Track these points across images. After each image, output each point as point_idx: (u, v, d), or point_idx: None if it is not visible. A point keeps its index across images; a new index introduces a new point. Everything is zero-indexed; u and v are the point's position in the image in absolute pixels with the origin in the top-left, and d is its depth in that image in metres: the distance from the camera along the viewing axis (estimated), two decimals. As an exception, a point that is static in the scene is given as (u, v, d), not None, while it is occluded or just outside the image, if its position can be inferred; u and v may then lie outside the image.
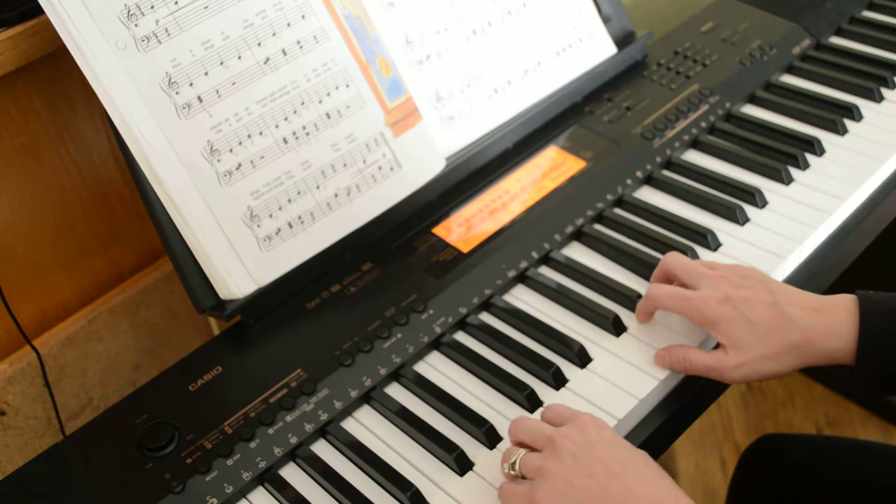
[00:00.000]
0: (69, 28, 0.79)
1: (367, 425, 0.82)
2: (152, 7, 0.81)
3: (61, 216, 0.99)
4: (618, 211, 0.99)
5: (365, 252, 0.94)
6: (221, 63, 0.84)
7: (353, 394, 0.82)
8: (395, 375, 0.85)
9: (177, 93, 0.83)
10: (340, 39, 0.90)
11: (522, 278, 0.93)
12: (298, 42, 0.88)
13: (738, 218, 0.96)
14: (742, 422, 1.83)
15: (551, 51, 1.08)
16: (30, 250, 0.97)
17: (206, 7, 0.83)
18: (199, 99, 0.84)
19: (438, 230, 0.96)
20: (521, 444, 0.72)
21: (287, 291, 0.90)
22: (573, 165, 1.03)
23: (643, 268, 0.91)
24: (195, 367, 0.85)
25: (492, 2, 1.04)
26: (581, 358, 0.84)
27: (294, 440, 0.79)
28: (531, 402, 0.80)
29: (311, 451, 0.79)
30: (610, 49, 1.13)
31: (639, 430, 0.80)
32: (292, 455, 0.79)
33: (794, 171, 1.01)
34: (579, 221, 0.97)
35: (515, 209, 0.98)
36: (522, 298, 0.91)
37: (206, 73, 0.84)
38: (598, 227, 0.98)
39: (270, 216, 0.88)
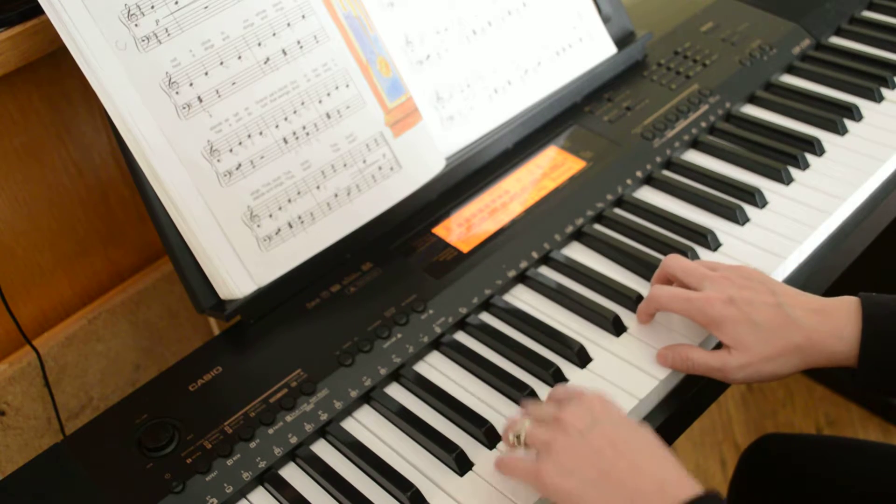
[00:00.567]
0: (69, 28, 0.79)
1: (367, 425, 0.82)
2: (152, 7, 0.81)
3: (61, 216, 0.99)
4: (618, 211, 0.99)
5: (365, 252, 0.94)
6: (221, 63, 0.84)
7: (353, 394, 0.82)
8: (395, 375, 0.85)
9: (177, 93, 0.83)
10: (340, 39, 0.91)
11: (522, 278, 0.93)
12: (298, 42, 0.88)
13: (738, 218, 0.96)
14: (742, 422, 1.83)
15: (551, 51, 1.08)
16: (29, 250, 0.97)
17: (206, 7, 0.83)
18: (199, 99, 0.84)
19: (438, 230, 0.96)
20: (525, 416, 0.73)
21: (287, 291, 0.90)
22: (573, 165, 1.03)
23: (643, 268, 0.91)
24: (195, 367, 0.85)
25: (492, 2, 1.04)
26: (581, 358, 0.84)
27: (294, 440, 0.79)
28: (531, 402, 0.80)
29: (311, 451, 0.79)
30: (610, 49, 1.13)
31: (639, 430, 0.80)
32: (292, 455, 0.79)
33: (794, 171, 1.01)
34: (579, 221, 0.97)
35: (515, 209, 0.98)
36: (522, 298, 0.91)
37: (207, 73, 0.84)
38: (598, 227, 0.98)
39: (270, 216, 0.88)
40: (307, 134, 0.89)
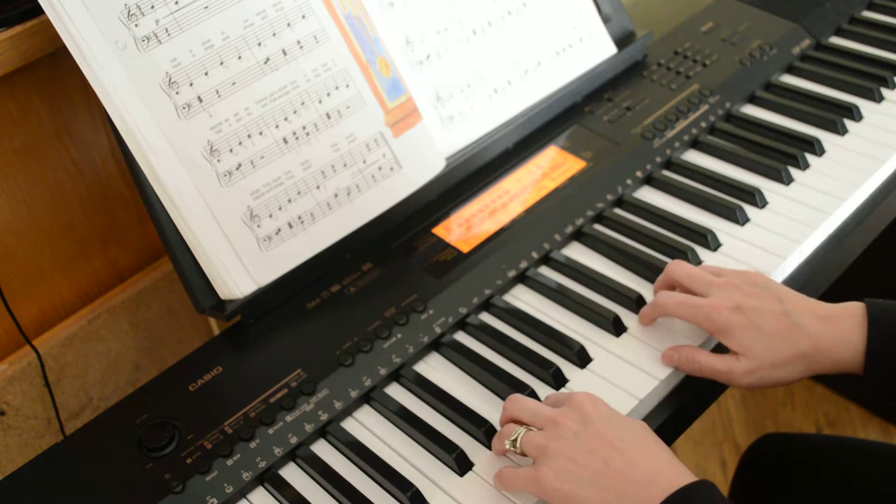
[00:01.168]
0: (69, 28, 0.79)
1: (367, 425, 0.82)
2: (152, 7, 0.81)
3: (61, 216, 0.99)
4: (618, 211, 0.99)
5: (365, 252, 0.94)
6: (221, 63, 0.84)
7: (353, 394, 0.82)
8: (395, 375, 0.85)
9: (177, 93, 0.83)
10: (340, 39, 0.90)
11: (522, 278, 0.93)
12: (298, 42, 0.88)
13: (738, 218, 0.96)
14: (742, 422, 1.83)
15: (551, 51, 1.08)
16: (29, 250, 0.97)
17: (206, 7, 0.83)
18: (199, 99, 0.84)
19: (438, 230, 0.96)
20: (518, 423, 0.73)
21: (287, 291, 0.90)
22: (573, 165, 1.03)
23: (643, 268, 0.91)
24: (195, 367, 0.85)
25: (492, 2, 1.04)
26: (581, 358, 0.84)
27: (294, 440, 0.79)
28: (531, 402, 0.80)
29: (311, 451, 0.79)
30: (610, 49, 1.13)
31: (639, 430, 0.80)
32: (292, 455, 0.79)
33: (794, 171, 1.01)
34: (579, 221, 0.97)
35: (515, 209, 0.98)
36: (522, 298, 0.91)
37: (207, 73, 0.84)
38: (598, 227, 0.98)
39: (270, 216, 0.88)
40: (307, 134, 0.89)
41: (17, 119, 0.91)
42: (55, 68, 0.92)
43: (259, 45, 0.86)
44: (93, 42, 0.79)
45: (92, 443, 0.80)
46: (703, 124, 1.08)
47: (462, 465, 0.76)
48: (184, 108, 0.83)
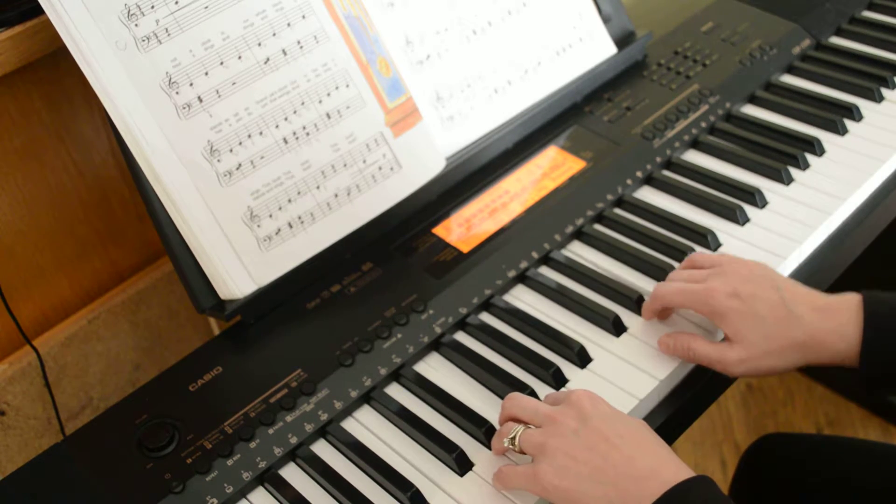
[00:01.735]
0: (69, 28, 0.79)
1: (367, 425, 0.82)
2: (152, 7, 0.81)
3: (61, 216, 0.99)
4: (618, 211, 0.99)
5: (365, 252, 0.94)
6: (221, 63, 0.84)
7: (353, 394, 0.82)
8: (395, 375, 0.85)
9: (177, 93, 0.83)
10: (340, 39, 0.90)
11: (522, 278, 0.93)
12: (298, 42, 0.88)
13: (738, 218, 0.96)
14: (742, 422, 1.83)
15: (551, 51, 1.08)
16: (29, 250, 0.97)
17: (206, 7, 0.83)
18: (200, 99, 0.84)
19: (438, 230, 0.96)
20: (517, 421, 0.73)
21: (287, 291, 0.90)
22: (573, 165, 1.03)
23: (643, 268, 0.91)
24: (195, 367, 0.85)
25: (492, 2, 1.04)
26: (581, 358, 0.84)
27: (294, 440, 0.79)
28: (531, 402, 0.80)
29: (311, 451, 0.79)
30: (610, 49, 1.13)
31: (639, 430, 0.80)
32: (292, 455, 0.79)
33: (794, 171, 1.01)
34: (579, 221, 0.97)
35: (515, 209, 0.98)
36: (522, 298, 0.91)
37: (207, 73, 0.84)
38: (598, 227, 0.98)
39: (270, 216, 0.88)
40: (307, 134, 0.89)
41: (17, 119, 0.91)
42: (55, 68, 0.92)
43: (259, 45, 0.86)
44: (93, 42, 0.79)
45: (92, 443, 0.80)
46: (703, 124, 1.08)
47: (462, 465, 0.76)
48: (184, 108, 0.83)
